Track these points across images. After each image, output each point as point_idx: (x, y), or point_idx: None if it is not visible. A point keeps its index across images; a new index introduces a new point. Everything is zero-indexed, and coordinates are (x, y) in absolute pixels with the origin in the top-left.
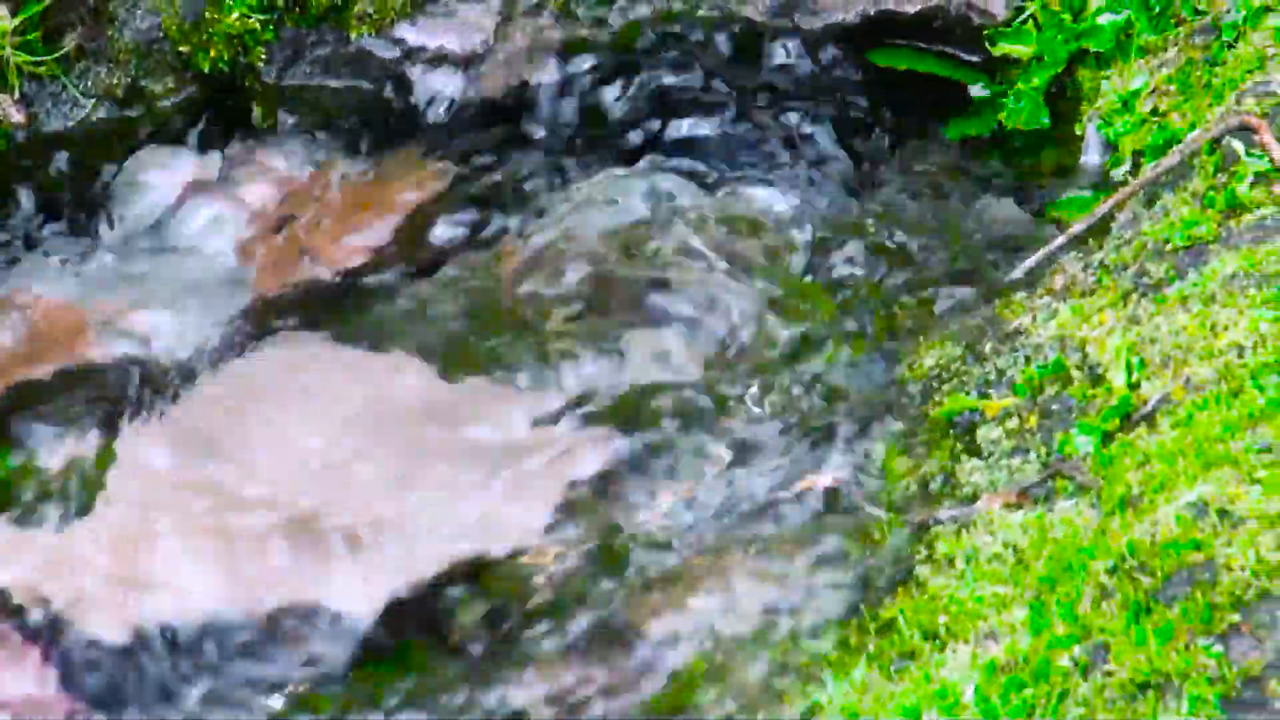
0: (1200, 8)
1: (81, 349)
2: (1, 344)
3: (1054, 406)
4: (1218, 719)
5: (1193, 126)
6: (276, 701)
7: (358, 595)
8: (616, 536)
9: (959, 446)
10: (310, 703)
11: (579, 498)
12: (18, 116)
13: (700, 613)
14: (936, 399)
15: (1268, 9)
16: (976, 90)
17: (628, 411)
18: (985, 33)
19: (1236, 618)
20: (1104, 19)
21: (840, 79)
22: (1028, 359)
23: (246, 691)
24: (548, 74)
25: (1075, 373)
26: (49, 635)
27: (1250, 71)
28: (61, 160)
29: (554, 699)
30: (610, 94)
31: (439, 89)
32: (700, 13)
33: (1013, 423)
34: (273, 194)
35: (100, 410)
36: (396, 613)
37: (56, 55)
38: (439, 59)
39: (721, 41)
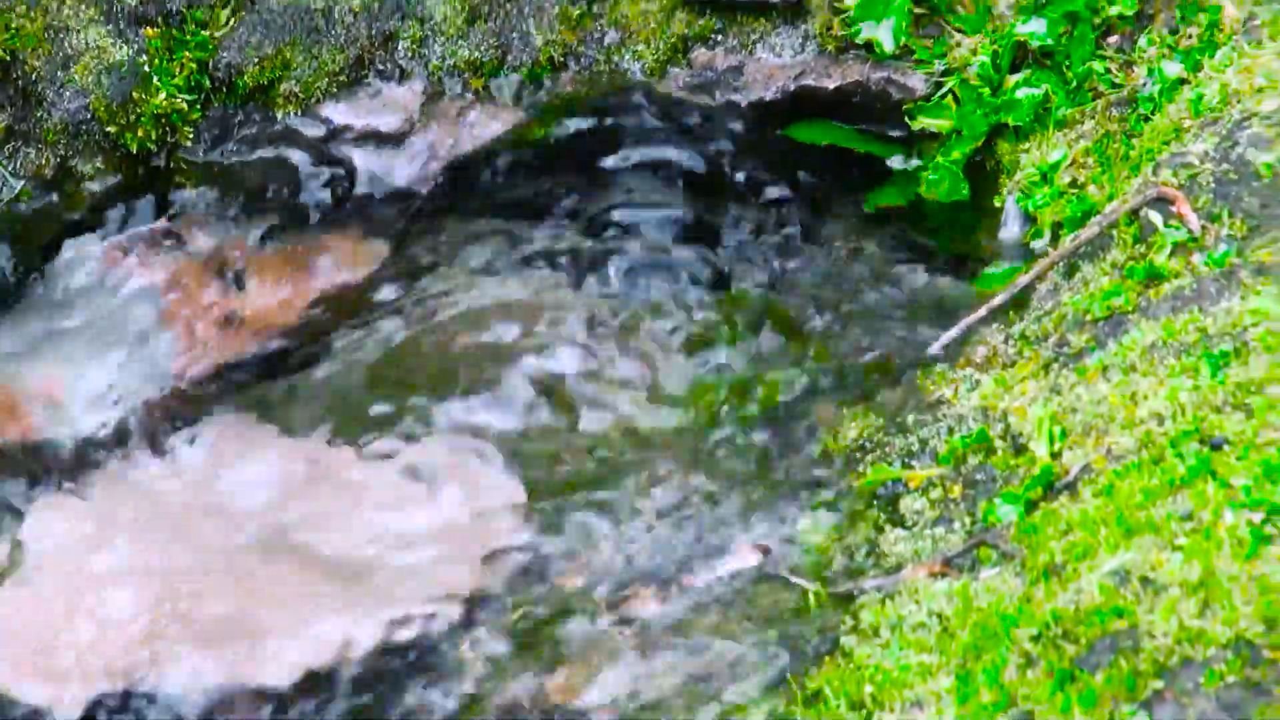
0: (1116, 81)
1: (12, 418)
2: None
3: (977, 476)
4: None
5: (1111, 198)
6: None
7: (277, 680)
8: (537, 608)
9: (883, 517)
10: None
11: (499, 569)
12: None
13: (625, 685)
14: (860, 470)
15: (1183, 81)
16: (896, 163)
17: (550, 481)
18: (905, 107)
19: (1160, 684)
20: (1022, 93)
21: (760, 154)
22: (950, 430)
23: None
24: (468, 152)
25: (998, 443)
26: None
27: (1167, 143)
28: None
29: None
30: (529, 171)
31: (364, 166)
32: (622, 86)
33: (936, 493)
34: (198, 269)
35: (26, 486)
36: (319, 684)
37: None
38: (365, 137)
39: (644, 119)
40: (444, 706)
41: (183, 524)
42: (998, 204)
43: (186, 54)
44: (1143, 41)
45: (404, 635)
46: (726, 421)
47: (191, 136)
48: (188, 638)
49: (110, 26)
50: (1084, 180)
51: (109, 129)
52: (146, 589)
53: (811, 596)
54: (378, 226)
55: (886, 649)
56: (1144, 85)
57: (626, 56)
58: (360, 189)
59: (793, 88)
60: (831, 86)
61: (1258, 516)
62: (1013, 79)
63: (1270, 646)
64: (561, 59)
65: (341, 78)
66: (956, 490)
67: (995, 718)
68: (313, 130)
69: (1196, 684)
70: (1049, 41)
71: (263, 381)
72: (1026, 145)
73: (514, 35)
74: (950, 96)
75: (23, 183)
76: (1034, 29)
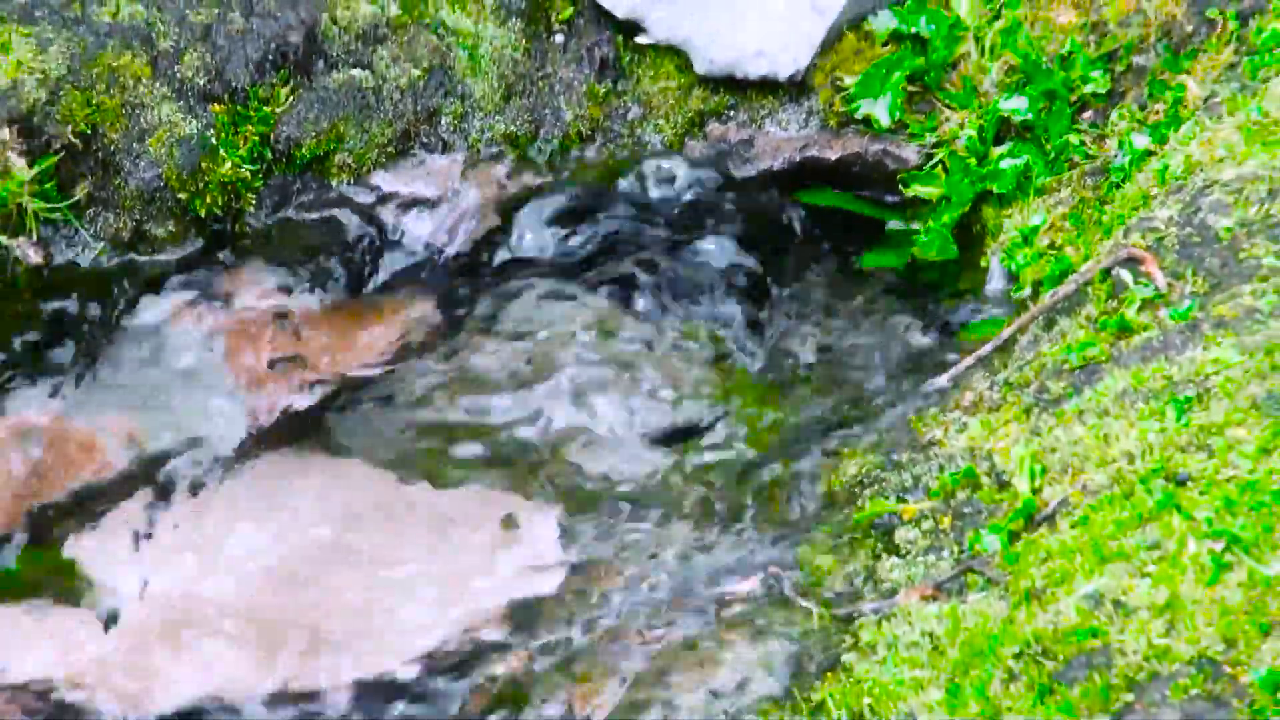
0: (1090, 152)
1: (96, 460)
2: (28, 461)
3: (965, 509)
4: None
5: (1086, 258)
6: None
7: (338, 688)
8: (570, 626)
9: (880, 545)
10: None
11: (537, 590)
12: (35, 257)
13: (648, 695)
14: (859, 504)
15: (1150, 153)
16: (891, 226)
17: (581, 513)
18: (899, 176)
19: (1130, 697)
20: (1005, 163)
21: (768, 220)
22: (941, 467)
23: None
24: (503, 219)
25: (984, 479)
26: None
27: (1136, 209)
28: (73, 294)
29: None
30: (561, 233)
31: (409, 229)
32: (644, 157)
33: (928, 524)
34: (261, 321)
35: (107, 521)
36: (371, 699)
37: (69, 202)
38: (410, 202)
39: (661, 185)
40: (475, 710)
41: (265, 534)
42: (984, 263)
43: (250, 128)
44: (1114, 116)
45: (459, 647)
46: (739, 458)
47: (254, 202)
48: (280, 628)
49: (181, 103)
50: (1061, 242)
51: (180, 195)
52: (229, 600)
53: (815, 617)
54: (421, 283)
55: (883, 665)
56: (1115, 156)
57: (648, 129)
58: (406, 249)
59: (798, 158)
60: (833, 157)
61: (1219, 546)
62: (997, 150)
63: (1230, 663)
64: (589, 132)
65: (389, 149)
66: (946, 522)
67: None
68: (363, 197)
69: (1163, 697)
70: (1029, 117)
71: (316, 419)
72: (1009, 210)
73: (546, 111)
74: (940, 166)
75: (102, 244)
76: (1016, 105)
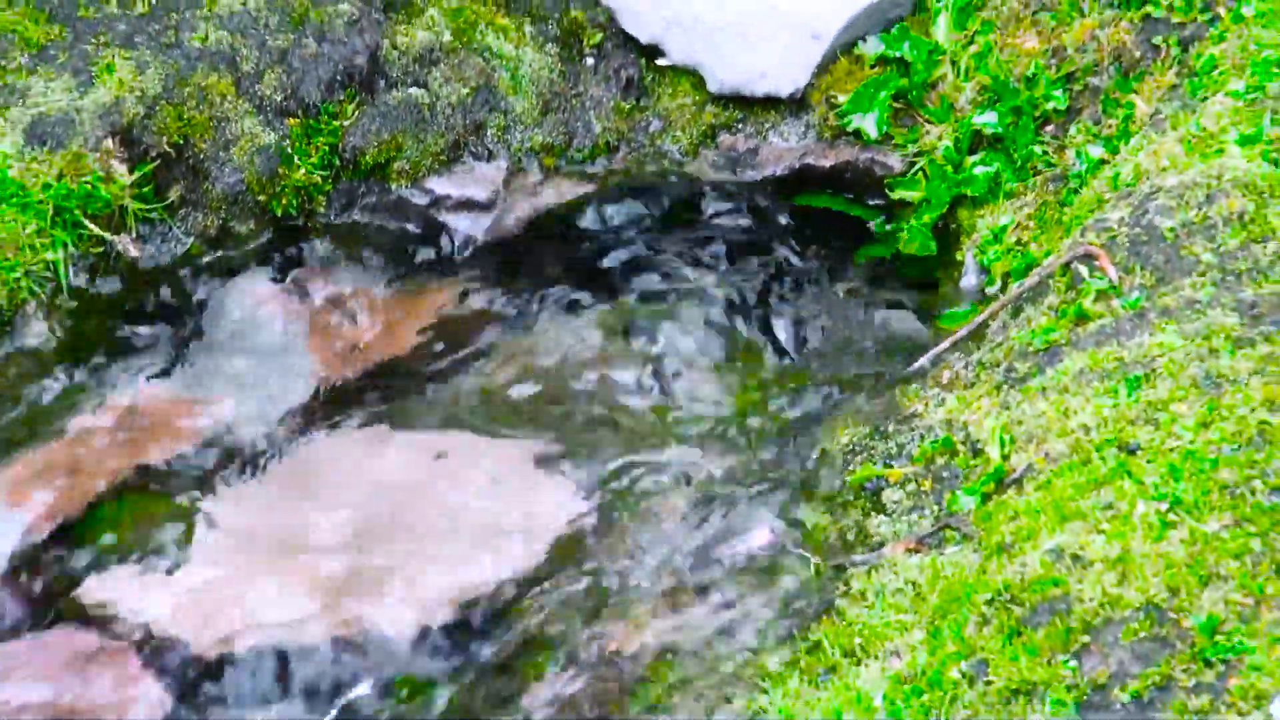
0: (1052, 161)
1: (187, 428)
2: (133, 429)
3: (943, 474)
4: (1074, 718)
5: (1048, 254)
6: (330, 712)
7: (397, 624)
8: (603, 573)
9: (869, 505)
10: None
11: (575, 539)
12: (134, 251)
13: (668, 635)
14: (851, 468)
15: (1104, 162)
16: (880, 226)
17: (611, 475)
18: (885, 181)
19: (1087, 639)
20: (978, 171)
21: (772, 218)
22: (922, 437)
23: (317, 694)
24: (542, 215)
25: (959, 447)
26: (161, 654)
27: (1092, 211)
28: (167, 284)
29: (556, 702)
30: (590, 230)
31: (459, 227)
32: (663, 167)
33: (911, 487)
34: (331, 308)
35: (199, 479)
36: (429, 636)
37: (164, 203)
38: (461, 204)
39: (678, 186)
40: (493, 650)
41: (330, 499)
42: (959, 258)
43: (320, 139)
44: (1073, 130)
45: (498, 591)
46: (736, 433)
47: (324, 204)
48: (344, 574)
49: (261, 117)
50: (1027, 240)
51: (259, 197)
52: (304, 547)
53: (813, 568)
54: (469, 274)
55: (871, 609)
56: (1073, 165)
57: (667, 140)
58: (456, 244)
59: (798, 165)
60: (828, 165)
61: (1164, 507)
62: (971, 159)
63: (1174, 610)
64: (616, 142)
65: (442, 157)
66: (927, 485)
67: (957, 664)
68: (419, 199)
69: (1116, 639)
70: (999, 130)
71: (380, 392)
72: (982, 212)
73: (578, 124)
74: (921, 173)
75: (192, 239)
76: (987, 120)
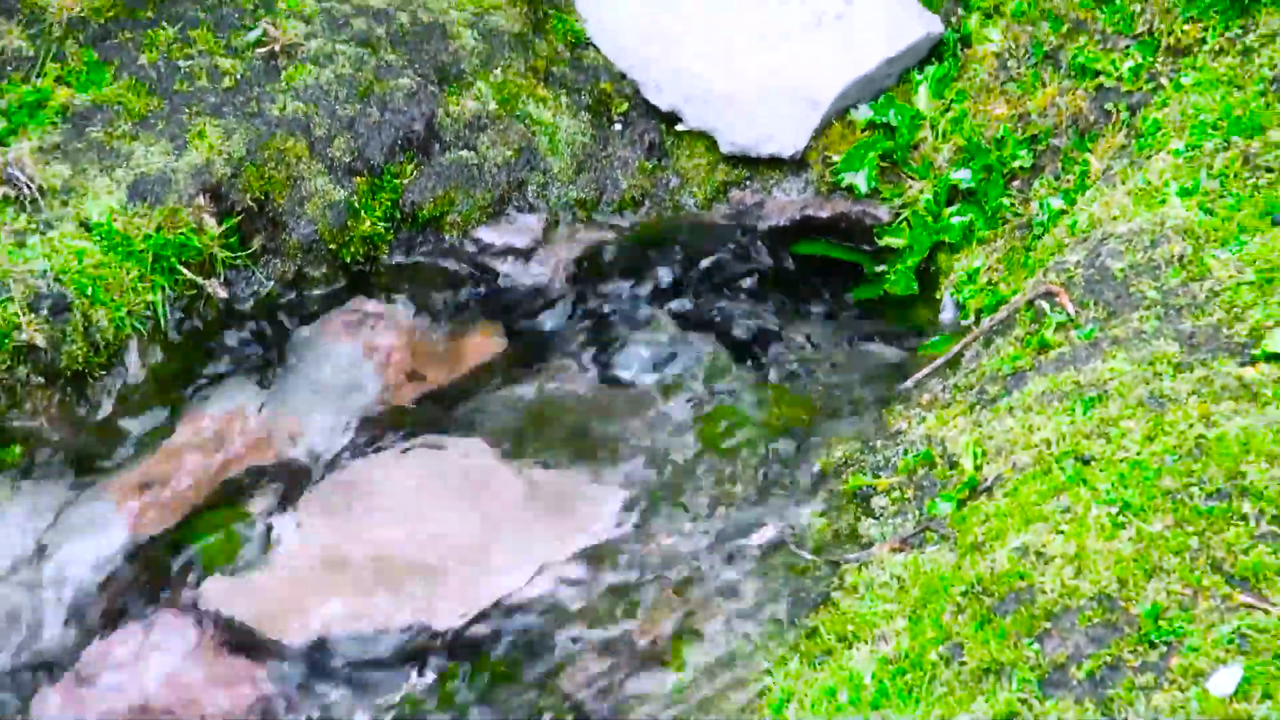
0: (1018, 212)
1: (267, 447)
2: (224, 445)
3: (924, 483)
4: (1035, 695)
5: (1015, 292)
6: (395, 695)
7: (452, 616)
8: (625, 570)
9: (859, 510)
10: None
11: (605, 540)
12: (222, 293)
13: (689, 622)
14: (844, 478)
15: (1063, 212)
16: (871, 270)
17: (627, 486)
18: (874, 230)
19: (1048, 625)
20: (955, 220)
21: (777, 263)
22: (905, 450)
23: (379, 679)
24: (575, 261)
25: (938, 460)
26: (247, 644)
27: (1052, 254)
28: (252, 321)
29: (588, 681)
30: (621, 276)
31: (504, 271)
32: (682, 219)
33: (896, 494)
34: (393, 340)
35: (281, 489)
36: (476, 628)
37: (247, 252)
38: (505, 251)
39: (695, 235)
40: (536, 640)
41: (392, 510)
42: (938, 296)
43: (383, 195)
44: (1036, 185)
45: (539, 589)
46: (746, 448)
47: (386, 251)
48: (404, 573)
49: (331, 177)
50: (996, 280)
51: (330, 246)
52: (366, 551)
53: (811, 564)
54: (513, 313)
55: (862, 600)
56: (1037, 215)
57: (685, 195)
58: (501, 286)
59: (798, 216)
60: (825, 216)
61: (1115, 510)
62: (948, 211)
63: (1123, 599)
64: (640, 197)
65: (489, 210)
66: (910, 492)
67: (936, 648)
68: (469, 246)
69: (1073, 624)
70: (972, 185)
71: (435, 413)
72: (958, 256)
73: (607, 181)
74: (905, 223)
75: (272, 282)
76: (962, 176)
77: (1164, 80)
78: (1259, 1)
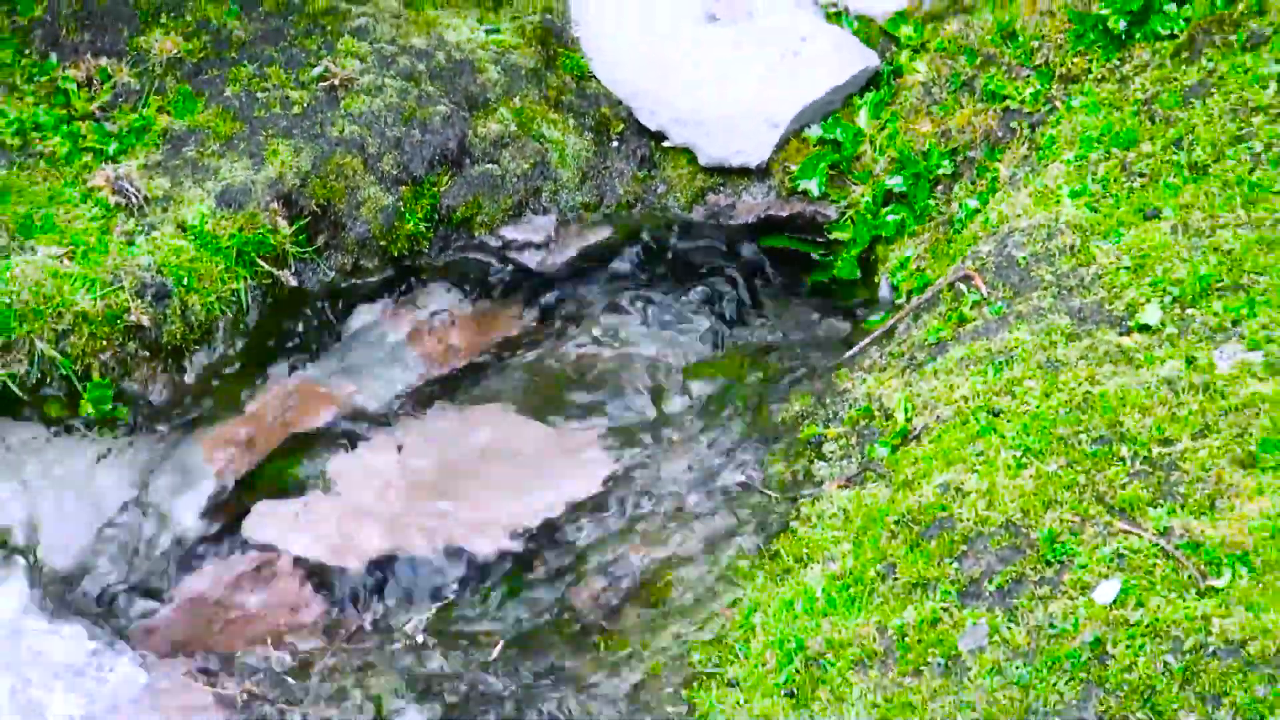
0: (941, 211)
1: (328, 407)
2: (288, 407)
3: (865, 432)
4: (954, 604)
5: (939, 276)
6: (432, 608)
7: (480, 543)
8: (623, 505)
9: (813, 455)
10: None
11: (602, 485)
12: (292, 281)
13: (673, 547)
14: (800, 428)
15: (978, 210)
16: (821, 258)
17: (626, 436)
18: (825, 226)
19: (965, 548)
20: (889, 218)
21: (746, 253)
22: (850, 405)
23: (423, 595)
24: (580, 250)
25: (876, 413)
26: (312, 569)
27: (969, 245)
28: (316, 304)
29: (595, 593)
30: (617, 263)
31: (523, 263)
32: (667, 216)
33: (842, 441)
34: (429, 319)
35: (337, 443)
36: (501, 551)
37: (313, 248)
38: (524, 245)
39: (678, 230)
40: (551, 561)
41: (433, 456)
42: (877, 280)
43: (424, 201)
44: (956, 189)
45: (552, 520)
46: (721, 404)
47: (427, 246)
48: (443, 508)
49: (381, 186)
50: (924, 266)
51: (381, 243)
52: (411, 491)
53: (774, 499)
54: (531, 295)
55: (814, 528)
56: (957, 213)
57: (670, 199)
58: (521, 274)
59: (763, 215)
60: (785, 215)
61: (1019, 453)
62: (884, 210)
63: (1025, 526)
64: (633, 201)
65: (510, 212)
66: (854, 440)
67: (874, 566)
68: (494, 242)
69: (985, 547)
70: (904, 189)
71: (466, 380)
72: (893, 247)
73: (607, 188)
74: (849, 220)
75: (333, 273)
76: (895, 182)
77: (1058, 103)
78: (1132, 38)
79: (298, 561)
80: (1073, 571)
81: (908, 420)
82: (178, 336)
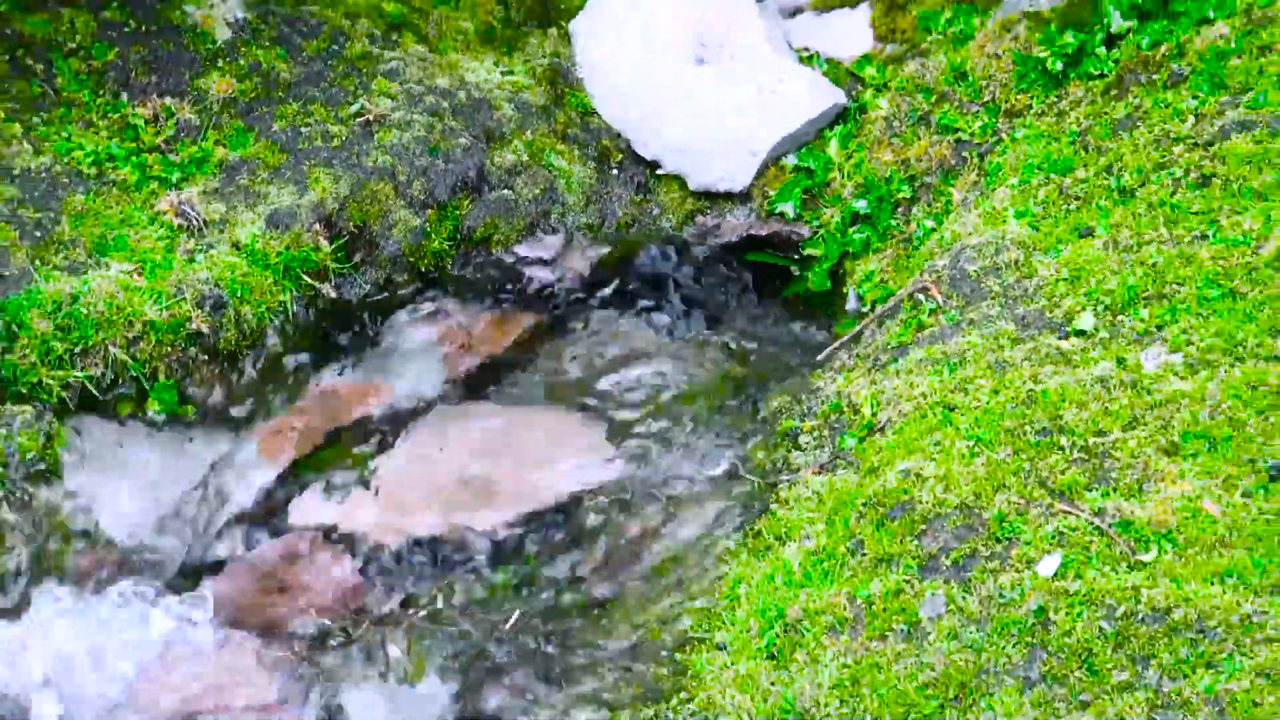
0: (902, 230)
1: (365, 403)
2: (328, 404)
3: (836, 425)
4: (915, 576)
5: (900, 287)
6: (456, 581)
7: (499, 524)
8: (623, 490)
9: (790, 445)
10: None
11: (605, 473)
12: (332, 293)
13: (669, 527)
14: (779, 421)
15: (934, 229)
16: (797, 272)
17: (625, 429)
18: (800, 243)
19: (925, 527)
20: (856, 236)
21: (731, 266)
22: (823, 401)
23: (448, 570)
24: (585, 268)
25: (846, 409)
26: (352, 546)
27: (926, 260)
28: (354, 313)
29: (599, 568)
30: (616, 276)
31: (534, 276)
32: (661, 235)
33: (816, 433)
34: (453, 325)
35: (372, 435)
36: (516, 531)
37: (351, 264)
38: (535, 261)
39: (670, 247)
40: (560, 540)
41: (456, 447)
42: (845, 291)
43: (448, 222)
44: (915, 210)
45: (561, 503)
46: (708, 401)
47: (450, 263)
48: (466, 493)
49: (410, 209)
50: (887, 279)
51: (410, 259)
52: (439, 478)
53: (756, 484)
54: (541, 304)
55: (792, 510)
56: (915, 232)
57: (663, 220)
58: (532, 286)
59: (745, 234)
60: (765, 233)
61: (971, 443)
62: (851, 229)
63: (977, 508)
64: (630, 221)
65: (523, 232)
66: (826, 432)
67: (844, 543)
68: (509, 258)
69: (942, 526)
70: (869, 210)
71: (485, 378)
72: (859, 262)
73: (608, 210)
74: (821, 238)
75: (369, 285)
76: (861, 205)
77: (1003, 135)
78: (1068, 78)
79: (340, 540)
80: (1019, 548)
81: (873, 414)
82: (232, 342)
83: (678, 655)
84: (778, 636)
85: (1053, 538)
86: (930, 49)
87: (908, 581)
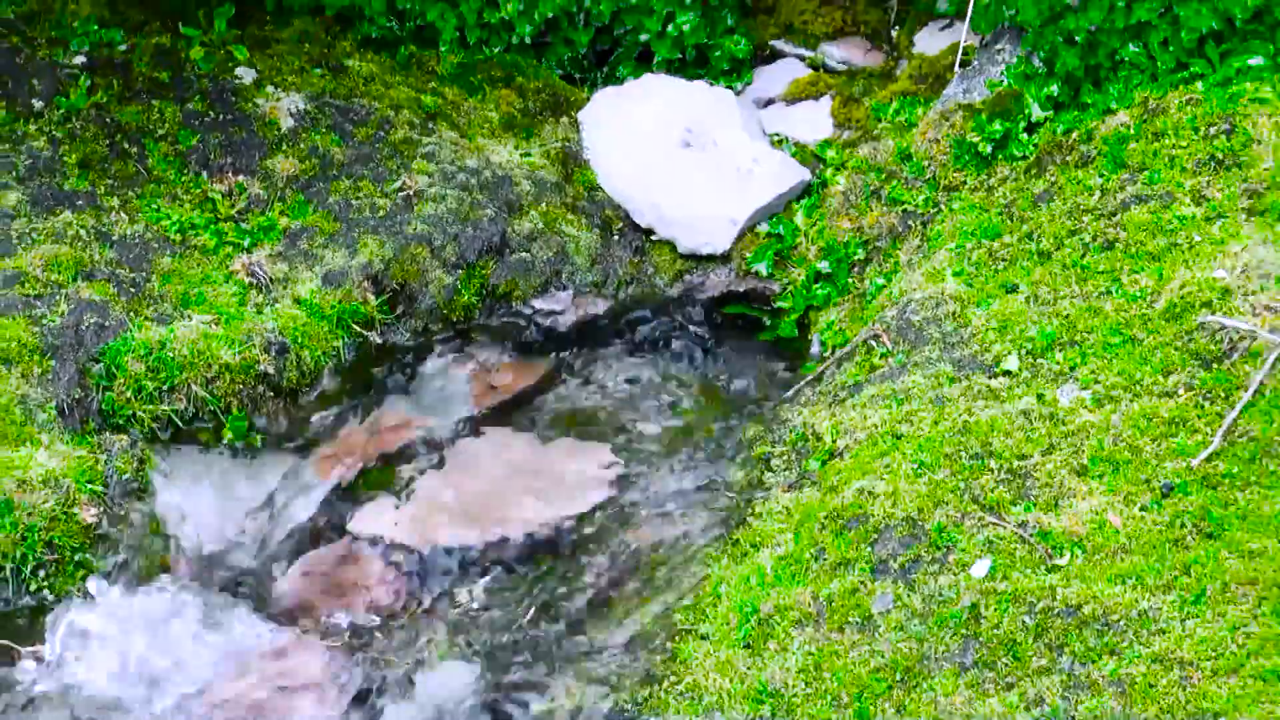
0: (857, 286)
1: (406, 432)
2: (375, 433)
3: (802, 450)
4: (869, 578)
5: (855, 335)
6: (480, 583)
7: (519, 534)
8: (623, 505)
9: (763, 467)
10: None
11: (607, 493)
12: (378, 340)
13: (657, 535)
14: (754, 447)
15: (884, 285)
16: (769, 322)
17: (625, 454)
18: (772, 297)
19: (877, 536)
20: (819, 291)
21: (710, 318)
22: (790, 431)
23: (475, 574)
24: (590, 316)
25: (810, 437)
26: (396, 552)
27: (878, 312)
28: (395, 357)
29: (603, 571)
30: (615, 325)
31: (548, 325)
32: (655, 293)
33: (785, 457)
34: (479, 367)
35: (413, 460)
36: (532, 540)
37: (394, 315)
38: (548, 313)
39: (662, 301)
40: (569, 547)
41: (482, 469)
42: (810, 338)
43: (476, 280)
44: (868, 269)
45: (571, 516)
46: (695, 430)
47: (478, 314)
48: (492, 507)
49: (444, 269)
50: (845, 327)
51: (444, 311)
52: (468, 496)
53: (735, 500)
54: (554, 348)
55: (765, 522)
56: (869, 288)
57: (657, 279)
58: (547, 334)
59: (726, 290)
60: (742, 290)
61: (916, 466)
62: (815, 286)
63: (921, 519)
64: (629, 280)
65: (539, 288)
66: (793, 456)
67: (809, 550)
68: (527, 310)
69: (892, 535)
70: (830, 270)
71: (508, 414)
72: (822, 313)
73: (610, 270)
74: (790, 293)
75: (408, 334)
76: (824, 265)
77: (943, 206)
78: (996, 159)
79: (384, 548)
80: (956, 553)
81: (833, 442)
82: (294, 381)
83: (669, 644)
84: (753, 629)
85: (984, 545)
86: (881, 134)
87: (862, 582)
